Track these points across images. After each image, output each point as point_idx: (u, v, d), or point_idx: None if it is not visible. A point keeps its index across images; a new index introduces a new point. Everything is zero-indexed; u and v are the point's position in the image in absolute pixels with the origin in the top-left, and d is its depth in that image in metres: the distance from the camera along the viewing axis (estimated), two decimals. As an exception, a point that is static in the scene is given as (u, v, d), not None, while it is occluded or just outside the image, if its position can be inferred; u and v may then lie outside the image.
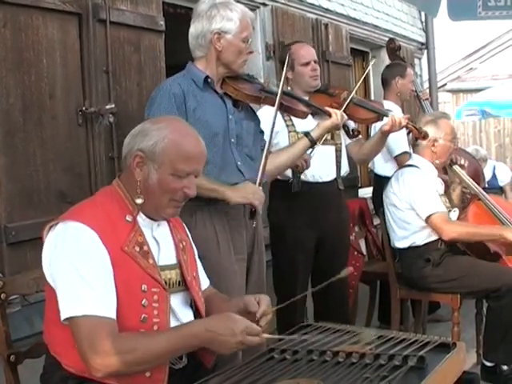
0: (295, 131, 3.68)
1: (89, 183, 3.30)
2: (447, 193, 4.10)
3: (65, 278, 1.86)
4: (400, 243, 3.93)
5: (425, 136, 3.77)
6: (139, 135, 2.02)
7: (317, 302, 4.03)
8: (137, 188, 2.00)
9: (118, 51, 3.51)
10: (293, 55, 3.80)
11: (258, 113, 3.16)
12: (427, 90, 6.53)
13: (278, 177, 3.64)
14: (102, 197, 2.05)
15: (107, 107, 3.37)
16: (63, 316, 1.85)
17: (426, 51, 7.78)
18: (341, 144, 3.92)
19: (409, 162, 4.08)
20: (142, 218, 2.04)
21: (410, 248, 3.88)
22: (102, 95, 3.40)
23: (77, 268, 1.84)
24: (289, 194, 3.75)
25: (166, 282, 2.02)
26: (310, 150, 3.35)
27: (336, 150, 3.88)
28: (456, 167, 4.18)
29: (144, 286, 1.93)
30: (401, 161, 4.63)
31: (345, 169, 3.99)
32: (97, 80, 3.38)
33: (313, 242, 3.85)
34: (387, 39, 5.78)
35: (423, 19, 7.81)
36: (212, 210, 2.79)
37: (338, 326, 2.24)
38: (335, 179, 3.89)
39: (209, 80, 2.82)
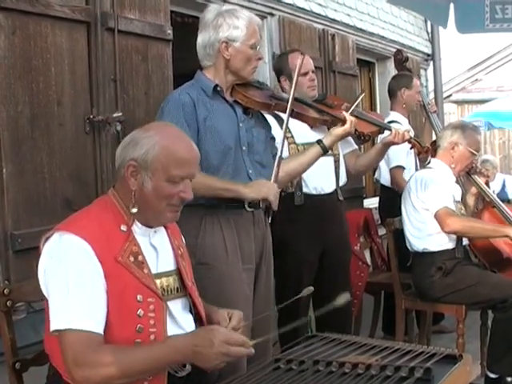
0: (294, 143, 3.63)
1: (95, 191, 3.30)
2: (463, 201, 4.09)
3: (55, 291, 1.88)
4: (415, 245, 3.91)
5: (427, 151, 3.75)
6: (130, 145, 2.01)
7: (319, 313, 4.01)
8: (131, 198, 1.99)
9: (125, 60, 3.52)
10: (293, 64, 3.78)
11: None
12: (434, 102, 6.53)
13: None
14: (97, 207, 2.05)
15: (115, 115, 3.37)
16: (51, 328, 1.87)
17: (431, 62, 7.78)
18: (339, 154, 3.86)
19: (427, 166, 4.07)
20: (137, 227, 2.04)
21: (424, 253, 3.86)
22: (109, 103, 3.41)
23: (67, 281, 1.85)
24: (292, 206, 3.72)
25: (163, 289, 2.02)
26: None
27: (335, 161, 3.83)
28: (475, 176, 4.17)
29: (139, 296, 1.93)
30: (394, 174, 4.63)
31: (343, 179, 3.92)
32: (104, 88, 3.39)
33: (316, 255, 3.81)
34: (393, 50, 5.79)
35: (429, 30, 7.82)
36: (221, 217, 2.77)
37: (344, 336, 2.24)
38: (335, 190, 3.84)
39: (218, 88, 2.82)
